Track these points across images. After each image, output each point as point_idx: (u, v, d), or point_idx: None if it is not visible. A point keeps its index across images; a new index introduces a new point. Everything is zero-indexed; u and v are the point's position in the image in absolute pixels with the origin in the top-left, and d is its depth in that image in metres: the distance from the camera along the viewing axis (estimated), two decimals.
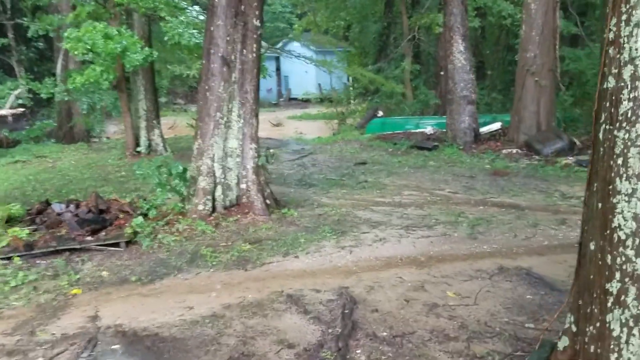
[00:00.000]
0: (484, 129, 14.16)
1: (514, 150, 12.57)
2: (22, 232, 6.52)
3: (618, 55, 2.80)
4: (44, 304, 5.05)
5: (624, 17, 2.76)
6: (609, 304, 2.89)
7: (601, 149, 2.96)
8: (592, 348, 3.01)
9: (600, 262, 2.95)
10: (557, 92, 13.81)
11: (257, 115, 7.81)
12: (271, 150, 9.30)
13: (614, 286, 2.86)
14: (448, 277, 5.40)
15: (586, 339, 3.07)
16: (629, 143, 2.77)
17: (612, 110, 2.85)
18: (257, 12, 7.52)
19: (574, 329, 3.24)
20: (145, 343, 4.19)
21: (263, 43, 8.20)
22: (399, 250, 6.25)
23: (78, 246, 6.38)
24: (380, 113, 20.45)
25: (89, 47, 11.25)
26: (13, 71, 19.88)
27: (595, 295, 2.99)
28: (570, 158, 11.52)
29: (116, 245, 6.47)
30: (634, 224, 2.76)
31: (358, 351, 3.98)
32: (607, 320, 2.90)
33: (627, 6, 2.75)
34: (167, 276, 5.69)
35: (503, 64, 24.75)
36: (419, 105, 20.31)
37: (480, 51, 23.90)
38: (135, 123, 14.30)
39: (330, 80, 24.75)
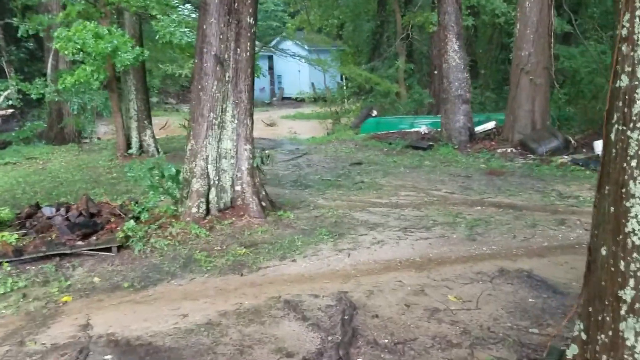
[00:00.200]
0: (478, 128, 14.09)
1: (509, 150, 12.49)
2: (11, 237, 6.35)
3: (632, 53, 2.68)
4: (34, 312, 4.89)
5: (638, 12, 2.63)
6: (622, 312, 2.79)
7: (613, 150, 2.85)
8: (603, 357, 2.91)
9: (612, 269, 2.85)
10: (552, 90, 13.76)
11: (251, 116, 7.66)
12: (266, 151, 9.14)
13: (627, 293, 2.76)
14: (448, 280, 5.29)
15: (597, 348, 2.97)
16: None
17: (625, 110, 2.74)
18: (250, 10, 7.36)
19: (584, 336, 3.13)
20: (139, 353, 4.04)
21: (256, 42, 8.05)
22: (398, 253, 6.14)
23: (69, 251, 6.22)
24: (375, 112, 20.31)
25: (80, 47, 11.11)
26: (3, 72, 19.59)
27: (607, 303, 2.89)
28: (566, 157, 11.45)
29: (108, 250, 6.31)
30: None
31: (359, 359, 3.86)
32: (621, 329, 2.80)
33: None
34: (160, 282, 5.54)
35: (496, 62, 24.73)
36: (413, 105, 20.20)
37: (473, 50, 23.82)
38: (127, 123, 14.11)
39: (324, 80, 24.57)
